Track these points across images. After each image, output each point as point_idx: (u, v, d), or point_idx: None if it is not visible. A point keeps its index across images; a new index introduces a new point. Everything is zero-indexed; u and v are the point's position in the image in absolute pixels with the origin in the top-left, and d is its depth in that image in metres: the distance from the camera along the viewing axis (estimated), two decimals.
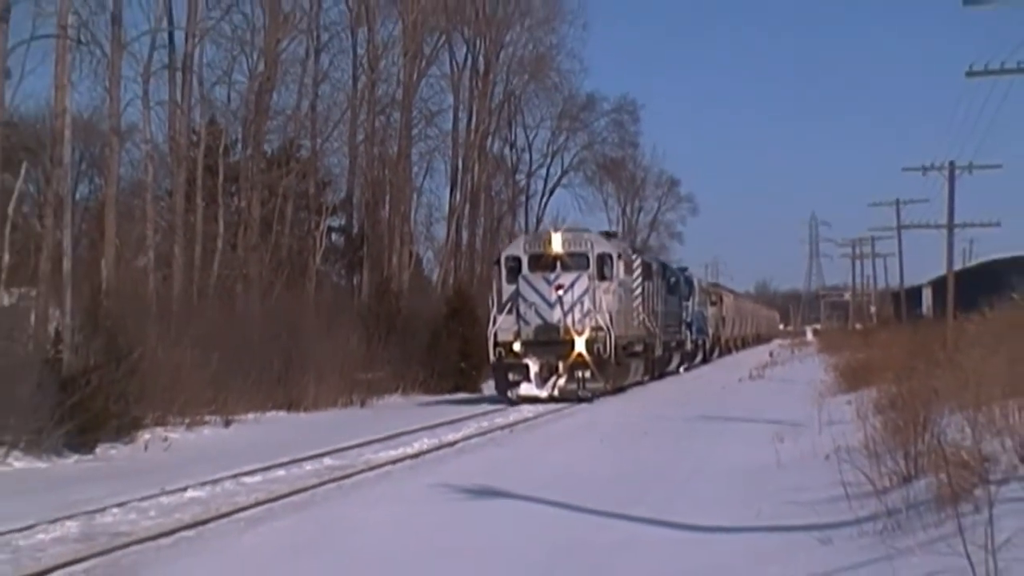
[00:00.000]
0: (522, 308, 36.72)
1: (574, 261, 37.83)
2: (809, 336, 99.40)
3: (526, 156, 71.43)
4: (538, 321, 36.38)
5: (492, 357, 36.87)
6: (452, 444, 26.00)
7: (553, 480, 18.16)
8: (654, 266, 52.88)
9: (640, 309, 46.13)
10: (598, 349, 36.11)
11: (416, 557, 13.42)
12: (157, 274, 38.70)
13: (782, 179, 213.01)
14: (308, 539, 14.80)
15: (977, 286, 45.06)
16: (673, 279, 58.53)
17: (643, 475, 19.17)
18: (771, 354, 73.71)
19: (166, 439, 26.83)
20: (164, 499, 17.31)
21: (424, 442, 25.98)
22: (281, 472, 20.92)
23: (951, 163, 43.69)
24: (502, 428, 29.83)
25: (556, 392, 35.59)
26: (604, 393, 37.19)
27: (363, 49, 51.40)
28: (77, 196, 38.64)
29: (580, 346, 35.74)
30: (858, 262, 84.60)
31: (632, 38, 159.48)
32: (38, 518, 15.24)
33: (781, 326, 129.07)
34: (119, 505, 16.59)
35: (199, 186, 40.19)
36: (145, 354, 28.20)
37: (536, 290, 36.69)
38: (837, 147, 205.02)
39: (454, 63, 59.69)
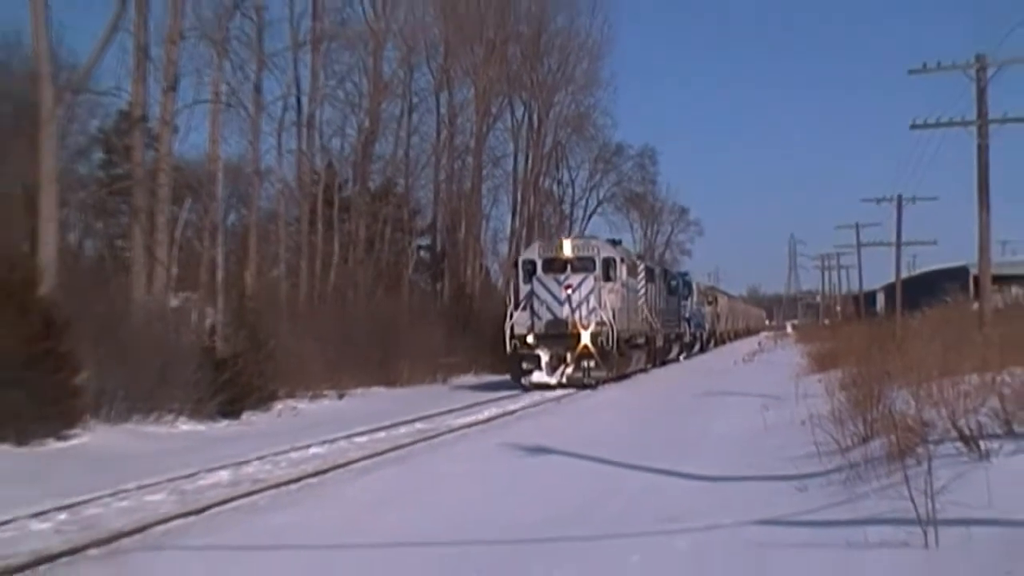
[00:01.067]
0: (535, 305, 34.29)
1: (582, 264, 35.28)
2: (789, 330, 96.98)
3: (570, 191, 71.25)
4: (549, 316, 33.91)
5: (508, 348, 34.37)
6: (512, 413, 25.81)
7: (588, 442, 17.70)
8: (656, 271, 50.37)
9: (643, 306, 43.08)
10: (601, 342, 33.71)
11: (489, 496, 13.42)
12: (287, 283, 39.40)
13: (771, 205, 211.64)
14: (406, 484, 14.71)
15: (919, 291, 45.73)
16: (673, 282, 55.64)
17: (657, 439, 18.68)
18: (759, 344, 71.84)
19: (294, 408, 26.98)
20: (293, 454, 17.23)
21: (492, 410, 25.89)
22: (382, 434, 20.76)
23: (899, 196, 43.78)
24: (550, 401, 29.42)
25: (564, 379, 33.21)
26: (608, 380, 34.76)
27: (444, 109, 51.71)
28: (227, 223, 39.08)
29: (586, 339, 33.43)
30: (827, 272, 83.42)
31: (653, 95, 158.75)
32: (199, 468, 15.30)
33: (767, 322, 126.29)
34: (259, 459, 16.56)
35: (319, 215, 40.93)
36: (278, 343, 28.39)
37: (548, 289, 34.25)
38: (813, 179, 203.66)
39: (514, 119, 59.25)
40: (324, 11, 41.55)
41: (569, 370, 33.21)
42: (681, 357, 56.32)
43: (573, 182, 72.03)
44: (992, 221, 26.54)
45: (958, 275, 44.33)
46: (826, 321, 77.08)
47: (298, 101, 40.57)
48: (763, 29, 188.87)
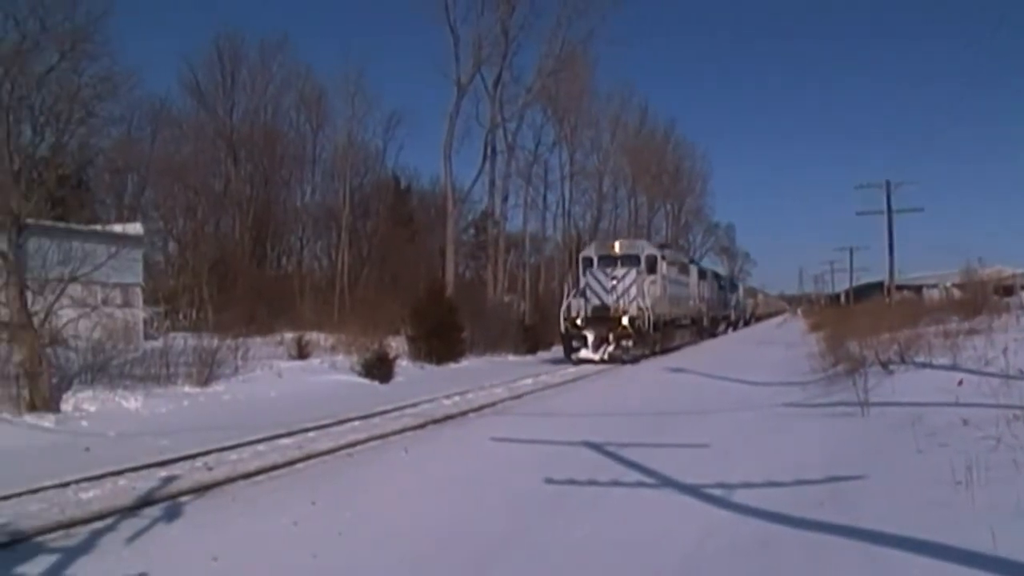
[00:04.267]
0: (588, 294, 35.85)
1: (629, 260, 36.58)
2: (799, 314, 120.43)
3: (692, 248, 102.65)
4: (597, 303, 35.33)
5: (562, 329, 35.71)
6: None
7: (679, 364, 26.19)
8: (709, 273, 61.06)
9: (694, 296, 48.93)
10: (639, 324, 34.61)
11: (629, 398, 21.14)
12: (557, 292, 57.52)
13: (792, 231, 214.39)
14: (522, 419, 19.03)
15: (862, 292, 73.53)
16: (723, 282, 69.85)
17: (723, 367, 27.12)
18: (784, 319, 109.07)
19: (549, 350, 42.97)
20: (562, 370, 31.50)
21: (570, 371, 32.02)
22: (528, 381, 26.18)
23: (851, 249, 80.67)
24: (624, 363, 33.62)
25: (606, 356, 34.18)
26: (645, 356, 35.67)
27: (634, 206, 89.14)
28: (529, 260, 73.14)
29: (624, 321, 34.50)
30: (820, 281, 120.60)
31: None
32: (517, 377, 27.01)
33: (788, 310, 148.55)
34: (547, 373, 30.08)
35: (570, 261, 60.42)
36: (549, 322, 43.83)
37: (598, 280, 35.81)
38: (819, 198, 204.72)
39: (665, 210, 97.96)
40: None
41: (611, 348, 34.40)
42: (729, 330, 69.78)
43: (694, 241, 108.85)
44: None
45: (880, 285, 61.23)
46: (816, 308, 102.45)
47: (565, 201, 71.13)
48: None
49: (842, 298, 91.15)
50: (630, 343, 34.46)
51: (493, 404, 20.56)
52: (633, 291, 35.36)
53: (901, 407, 13.28)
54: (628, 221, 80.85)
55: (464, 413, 18.92)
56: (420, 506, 9.77)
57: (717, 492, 9.28)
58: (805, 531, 7.56)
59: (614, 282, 35.47)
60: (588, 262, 37.50)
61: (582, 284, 36.66)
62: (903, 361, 18.97)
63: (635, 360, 34.13)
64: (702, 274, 55.12)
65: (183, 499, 10.23)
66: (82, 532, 8.80)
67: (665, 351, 39.03)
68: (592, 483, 10.25)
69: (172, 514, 9.49)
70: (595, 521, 8.60)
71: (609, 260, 36.85)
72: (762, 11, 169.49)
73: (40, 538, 8.64)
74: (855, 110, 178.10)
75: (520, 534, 8.32)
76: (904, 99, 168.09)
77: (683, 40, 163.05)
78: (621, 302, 35.16)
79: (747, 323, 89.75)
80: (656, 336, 37.19)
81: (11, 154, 25.88)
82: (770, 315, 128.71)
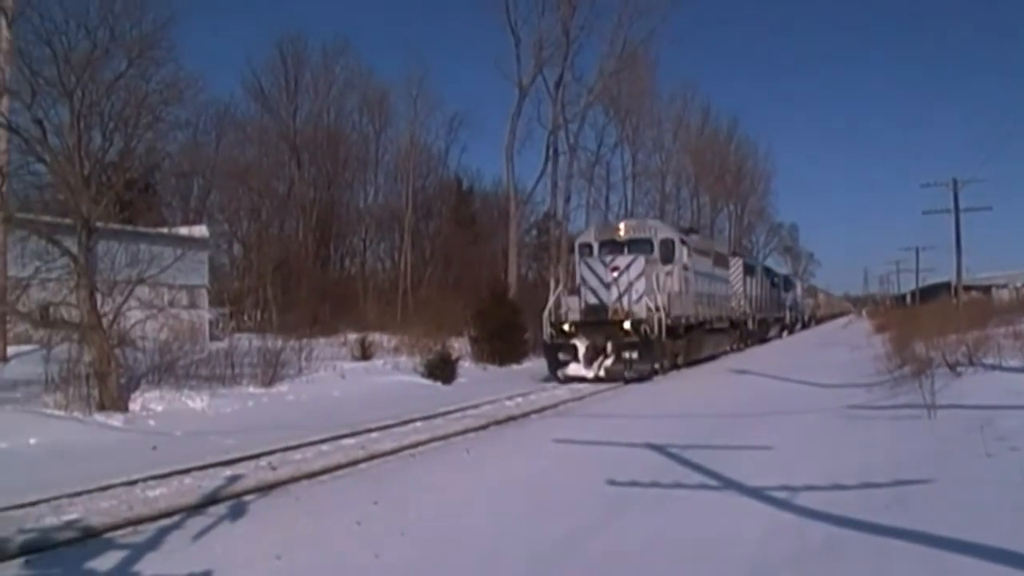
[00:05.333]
0: (583, 291, 27.26)
1: (637, 247, 28.38)
2: (864, 314, 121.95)
3: (755, 250, 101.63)
4: (594, 301, 26.81)
5: (544, 337, 27.51)
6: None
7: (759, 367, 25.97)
8: (758, 268, 54.39)
9: (738, 293, 42.49)
10: (645, 329, 26.05)
11: (703, 399, 21.06)
12: None
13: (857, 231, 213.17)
14: (584, 421, 19.62)
15: (928, 293, 72.94)
16: (776, 279, 62.25)
17: (791, 368, 26.92)
18: (850, 320, 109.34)
19: None
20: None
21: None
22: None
23: (917, 248, 77.13)
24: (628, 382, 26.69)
25: (602, 372, 25.96)
26: (672, 367, 28.68)
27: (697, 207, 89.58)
28: None
29: (628, 326, 26.09)
30: (886, 282, 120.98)
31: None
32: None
33: (852, 311, 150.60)
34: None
35: None
36: None
37: (595, 272, 27.16)
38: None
39: (728, 211, 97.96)
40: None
41: (608, 362, 26.10)
42: (784, 334, 62.15)
43: (757, 242, 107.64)
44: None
45: (947, 286, 62.17)
46: (882, 309, 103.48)
47: (628, 202, 71.10)
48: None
49: (908, 299, 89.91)
50: (635, 355, 25.92)
51: (555, 406, 20.57)
52: (641, 284, 26.85)
53: (969, 410, 13.12)
54: (691, 222, 78.97)
55: (526, 414, 18.97)
56: (482, 507, 9.78)
57: (781, 494, 9.19)
58: (871, 535, 7.47)
59: (615, 274, 27.03)
60: (586, 250, 29.83)
61: (577, 279, 28.70)
62: (971, 363, 18.64)
63: (641, 377, 26.11)
64: (749, 269, 48.00)
65: (247, 498, 10.36)
66: (149, 529, 8.95)
67: (693, 363, 31.31)
68: (655, 484, 10.19)
69: (236, 513, 9.60)
70: (658, 523, 8.54)
71: (613, 246, 29.00)
72: (825, 8, 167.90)
73: (110, 534, 8.83)
74: (921, 107, 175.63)
75: (581, 536, 8.28)
76: (972, 95, 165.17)
77: (746, 38, 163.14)
78: (625, 300, 26.69)
79: (806, 325, 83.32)
80: (675, 345, 28.94)
81: (81, 159, 26.43)
82: (833, 316, 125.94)
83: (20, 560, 7.92)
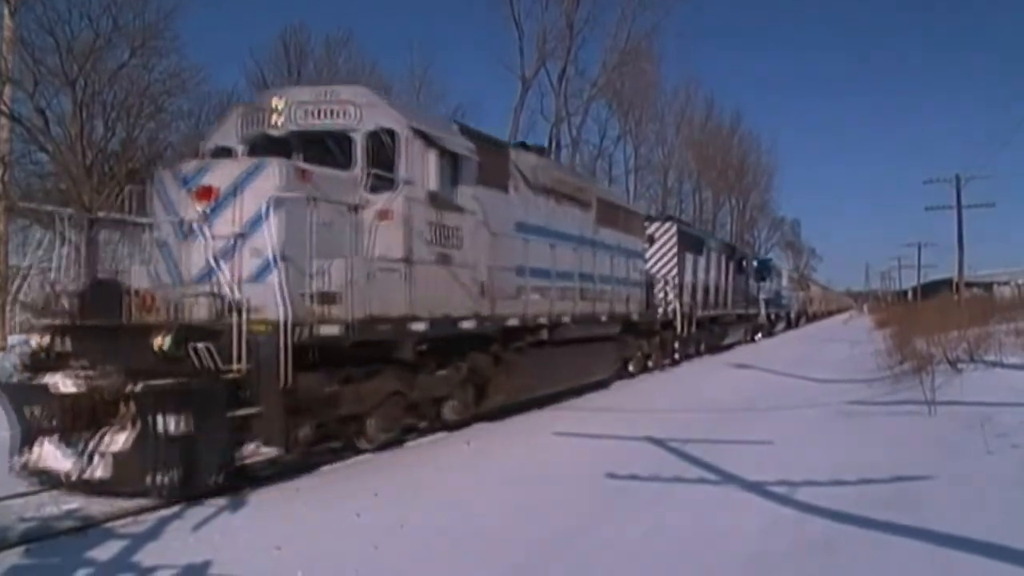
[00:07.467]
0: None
1: (309, 150, 12.69)
2: (865, 310, 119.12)
3: (757, 244, 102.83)
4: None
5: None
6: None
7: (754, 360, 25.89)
8: (713, 243, 38.06)
9: (668, 278, 28.72)
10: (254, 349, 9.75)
11: (712, 389, 20.65)
12: None
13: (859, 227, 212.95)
14: (584, 414, 19.89)
15: (929, 289, 72.01)
16: (744, 262, 44.94)
17: (792, 362, 27.34)
18: (850, 315, 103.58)
19: None
20: None
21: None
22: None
23: (919, 244, 77.82)
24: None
25: (101, 472, 9.16)
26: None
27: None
28: None
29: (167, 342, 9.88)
30: (887, 278, 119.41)
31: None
32: None
33: (853, 306, 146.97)
34: None
35: None
36: None
37: (167, 210, 11.70)
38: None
39: (731, 205, 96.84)
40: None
41: (116, 445, 9.36)
42: (757, 337, 47.52)
43: (759, 236, 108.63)
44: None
45: (949, 282, 60.37)
46: (883, 305, 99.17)
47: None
48: None
49: (909, 295, 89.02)
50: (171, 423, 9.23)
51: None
52: (275, 239, 10.40)
53: (970, 406, 13.11)
54: (693, 216, 78.79)
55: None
56: (482, 499, 9.75)
57: (781, 490, 9.18)
58: (870, 531, 7.46)
59: (203, 206, 10.79)
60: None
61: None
62: (972, 360, 18.56)
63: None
64: (693, 244, 33.36)
65: (247, 489, 10.27)
66: (150, 519, 8.91)
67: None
68: (655, 478, 10.16)
69: (237, 503, 9.57)
70: (657, 516, 8.51)
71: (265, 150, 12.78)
72: (830, 2, 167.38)
73: (110, 524, 8.79)
74: (924, 103, 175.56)
75: (581, 528, 8.26)
76: (976, 91, 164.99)
77: (750, 33, 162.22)
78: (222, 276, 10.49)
79: (793, 324, 68.07)
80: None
81: (84, 149, 26.45)
82: (831, 312, 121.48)
83: (20, 549, 7.90)
